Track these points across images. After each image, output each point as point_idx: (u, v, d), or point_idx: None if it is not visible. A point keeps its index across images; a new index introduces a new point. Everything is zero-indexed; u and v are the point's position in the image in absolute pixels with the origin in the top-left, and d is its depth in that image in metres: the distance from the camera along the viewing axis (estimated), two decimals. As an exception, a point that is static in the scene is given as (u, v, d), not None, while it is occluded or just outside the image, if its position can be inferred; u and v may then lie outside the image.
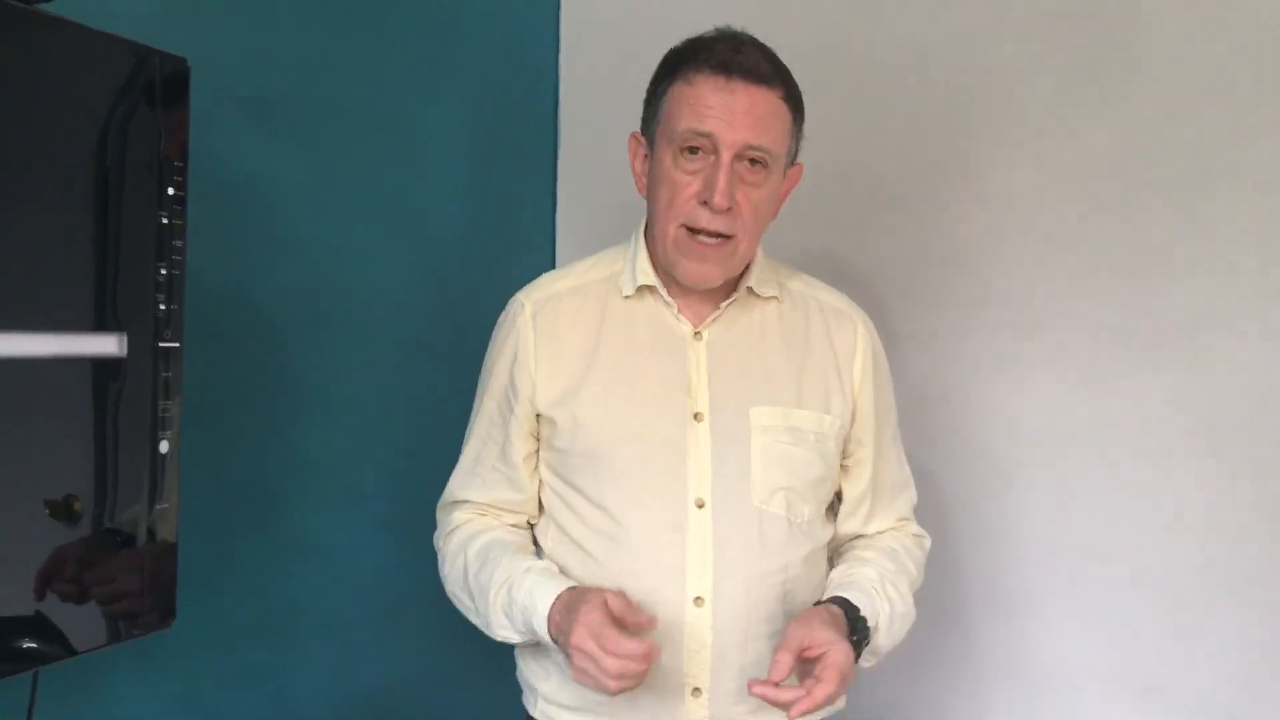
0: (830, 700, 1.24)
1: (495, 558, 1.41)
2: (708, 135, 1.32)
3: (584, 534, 1.41)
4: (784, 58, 1.39)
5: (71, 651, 1.15)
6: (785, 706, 1.23)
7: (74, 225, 1.13)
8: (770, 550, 1.40)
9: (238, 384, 1.61)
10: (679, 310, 1.45)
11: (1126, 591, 1.78)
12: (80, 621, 1.16)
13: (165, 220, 1.21)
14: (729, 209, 1.33)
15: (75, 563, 1.14)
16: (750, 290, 1.46)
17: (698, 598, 1.37)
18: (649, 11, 2.21)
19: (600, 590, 1.29)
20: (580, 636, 1.24)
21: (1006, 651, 1.88)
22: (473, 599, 1.43)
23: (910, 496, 1.58)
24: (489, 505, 1.50)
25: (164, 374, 1.22)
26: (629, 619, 1.26)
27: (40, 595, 1.11)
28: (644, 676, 1.25)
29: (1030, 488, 1.86)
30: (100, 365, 1.16)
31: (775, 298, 1.48)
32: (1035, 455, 1.85)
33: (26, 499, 1.10)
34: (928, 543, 1.58)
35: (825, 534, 1.49)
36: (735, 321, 1.46)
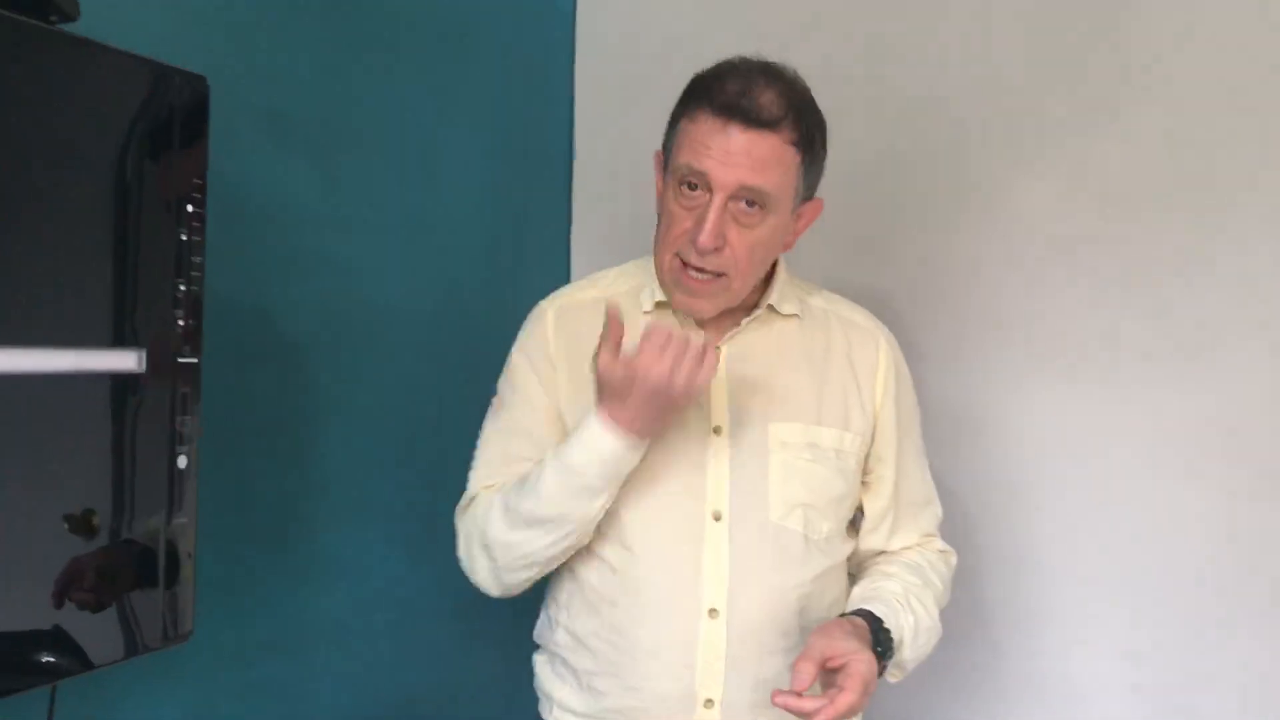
0: (853, 710, 1.23)
1: (529, 472, 1.40)
2: (702, 174, 1.32)
3: (601, 542, 1.42)
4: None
5: (89, 665, 1.15)
6: (808, 716, 1.22)
7: (94, 242, 1.14)
8: (787, 566, 1.40)
9: (255, 399, 1.62)
10: (698, 325, 1.45)
11: (1149, 608, 1.77)
12: (98, 635, 1.17)
13: (184, 237, 1.21)
14: (716, 249, 1.33)
15: (93, 576, 1.15)
16: (771, 308, 1.46)
17: (712, 609, 1.37)
18: (663, 31, 2.22)
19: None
20: (647, 346, 1.26)
21: (1027, 668, 1.87)
22: (519, 506, 1.38)
23: (935, 512, 1.58)
24: None
25: (182, 389, 1.23)
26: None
27: (59, 608, 1.12)
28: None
29: (1049, 503, 1.85)
30: (119, 381, 1.16)
31: (796, 315, 1.48)
32: (1053, 471, 1.85)
33: (46, 513, 1.11)
34: (954, 559, 1.57)
35: (845, 550, 1.49)
36: (755, 338, 1.46)
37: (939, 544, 1.57)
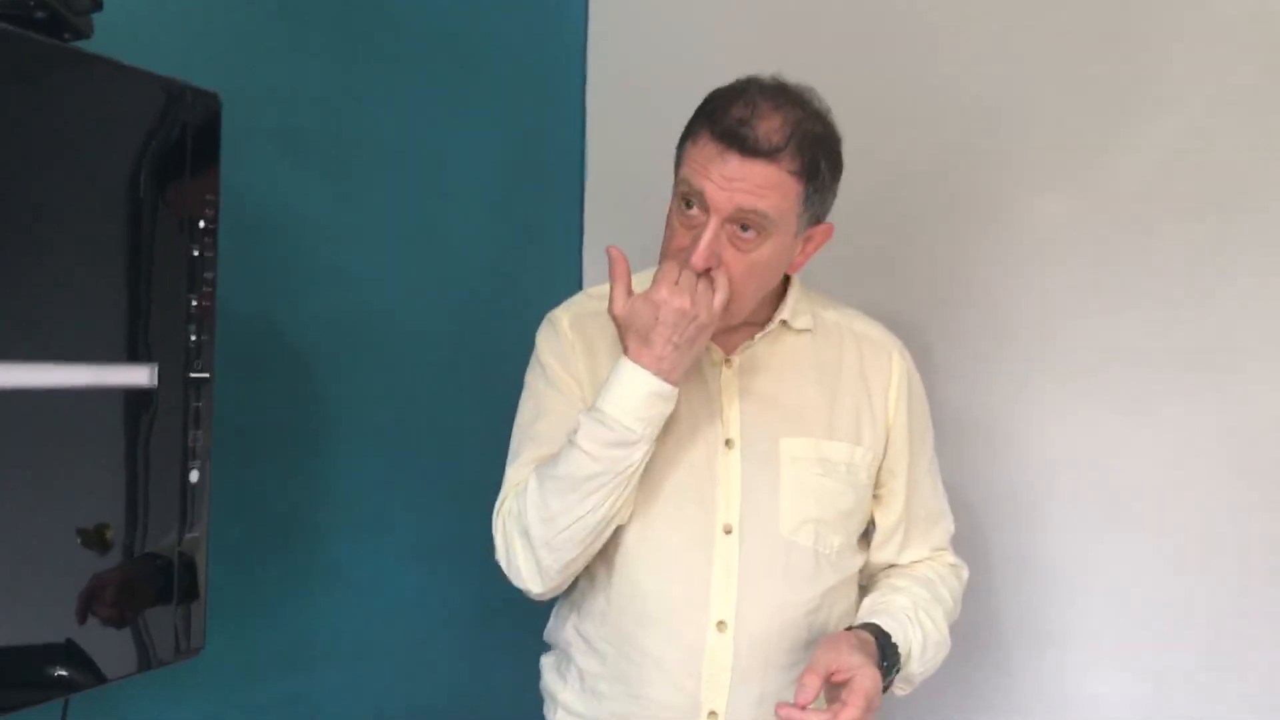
0: None
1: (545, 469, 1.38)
2: (700, 194, 1.31)
3: (613, 551, 1.41)
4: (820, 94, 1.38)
5: (101, 679, 1.16)
6: None
7: (107, 257, 1.15)
8: (795, 581, 1.40)
9: (267, 414, 1.63)
10: (711, 338, 1.45)
11: (1164, 625, 1.75)
12: (110, 649, 1.17)
13: (196, 252, 1.22)
14: (708, 270, 1.32)
15: (106, 590, 1.16)
16: (784, 323, 1.46)
17: (720, 622, 1.37)
18: (675, 42, 2.23)
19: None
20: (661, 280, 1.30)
21: (1040, 683, 1.86)
22: (555, 476, 1.35)
23: (947, 527, 1.57)
24: None
25: (194, 404, 1.23)
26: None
27: (82, 623, 1.13)
28: None
29: (1064, 517, 1.84)
30: (132, 395, 1.17)
31: (809, 330, 1.48)
32: (1070, 485, 1.83)
33: (59, 527, 1.11)
34: (965, 573, 1.56)
35: (855, 564, 1.49)
36: (767, 353, 1.46)
37: (950, 558, 1.56)
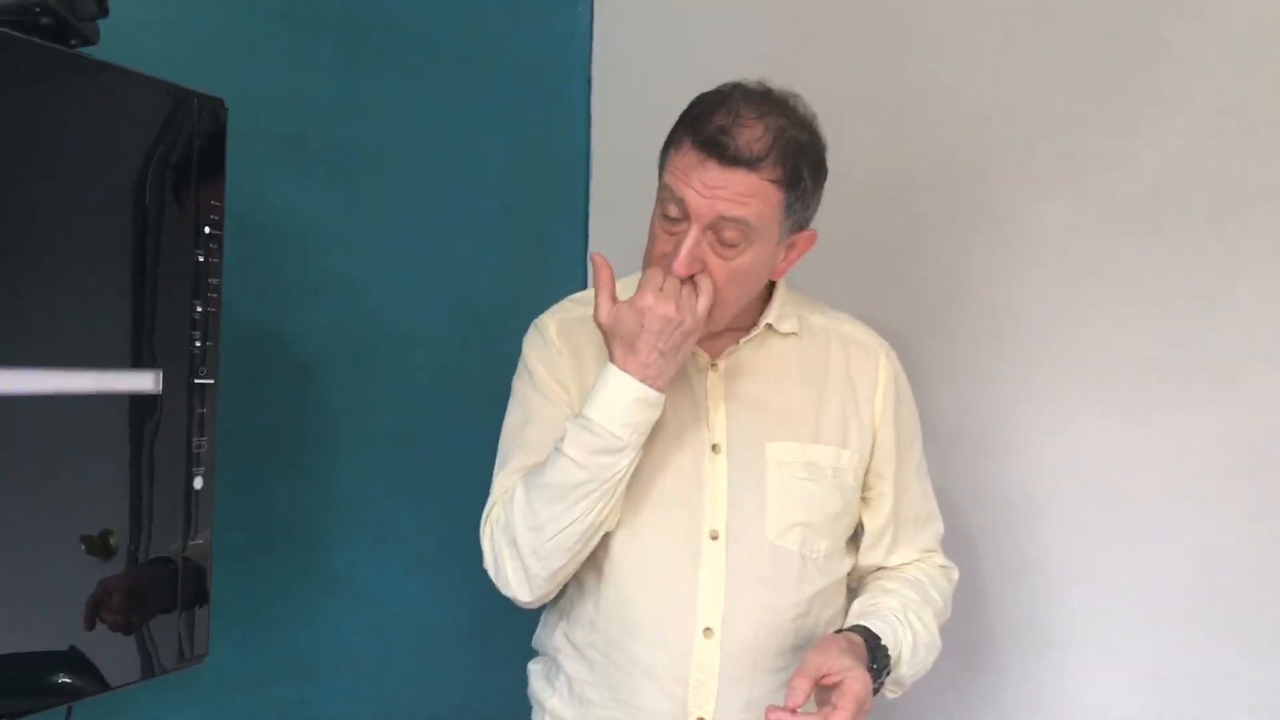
0: None
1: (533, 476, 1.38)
2: (681, 201, 1.32)
3: (601, 558, 1.41)
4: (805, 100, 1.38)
5: (105, 686, 1.16)
6: None
7: (112, 264, 1.15)
8: (783, 586, 1.40)
9: (271, 421, 1.63)
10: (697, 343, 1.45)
11: (1167, 631, 1.75)
12: (114, 656, 1.17)
13: (201, 258, 1.22)
14: (689, 277, 1.33)
15: (110, 597, 1.15)
16: (769, 327, 1.46)
17: (707, 628, 1.38)
18: (680, 51, 2.23)
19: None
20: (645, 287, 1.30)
21: (1043, 689, 1.85)
22: (535, 498, 1.35)
23: (936, 529, 1.57)
24: None
25: (199, 410, 1.23)
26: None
27: (90, 629, 1.13)
28: None
29: (1067, 523, 1.83)
30: (136, 401, 1.17)
31: (795, 334, 1.49)
32: (1072, 490, 1.83)
33: (64, 533, 1.11)
34: (955, 574, 1.56)
35: (843, 568, 1.49)
36: (753, 357, 1.47)
37: (940, 559, 1.56)
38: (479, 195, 2.04)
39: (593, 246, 2.33)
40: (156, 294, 1.18)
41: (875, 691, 1.30)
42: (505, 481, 1.44)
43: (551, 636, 1.52)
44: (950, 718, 1.89)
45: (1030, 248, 1.86)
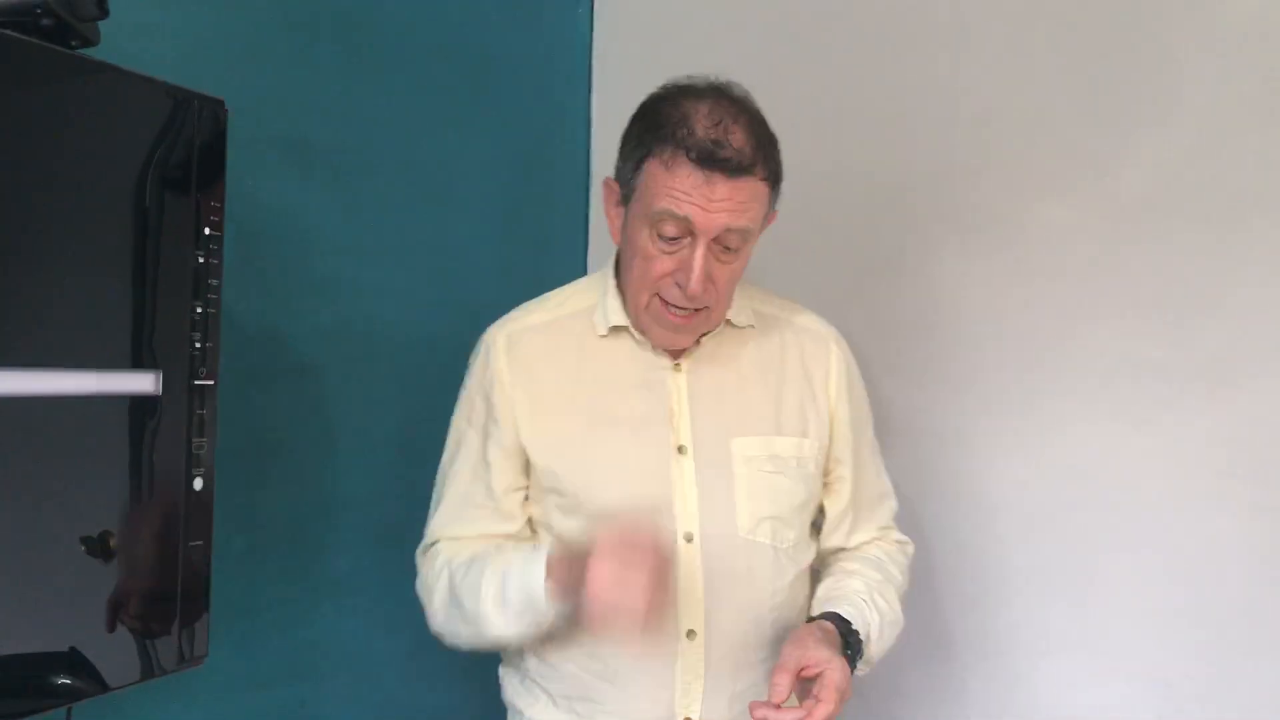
0: (830, 719, 1.25)
1: (483, 556, 1.38)
2: (685, 220, 1.30)
3: None
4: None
5: (105, 687, 1.16)
6: None
7: (112, 264, 1.15)
8: (758, 580, 1.42)
9: (271, 422, 1.62)
10: (655, 345, 1.44)
11: (1166, 634, 1.75)
12: (114, 657, 1.17)
13: (201, 259, 1.22)
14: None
15: (109, 598, 1.15)
16: (728, 321, 1.46)
17: (690, 631, 1.38)
18: (680, 57, 2.20)
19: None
20: (600, 564, 1.20)
21: (1044, 693, 1.85)
22: (460, 604, 1.38)
23: (891, 505, 1.60)
24: (477, 538, 1.45)
25: (198, 411, 1.23)
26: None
27: (78, 630, 1.12)
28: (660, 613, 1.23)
29: (1069, 526, 1.83)
30: (136, 403, 1.17)
31: (751, 326, 1.49)
32: (1075, 494, 1.83)
33: (63, 535, 1.11)
34: (911, 548, 1.60)
35: (810, 555, 1.51)
36: (713, 353, 1.46)
37: (896, 535, 1.59)
38: (479, 196, 2.04)
39: (593, 247, 2.33)
40: (156, 295, 1.18)
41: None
42: (437, 520, 1.49)
43: (523, 657, 1.49)
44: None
45: (1033, 251, 1.86)
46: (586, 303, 1.49)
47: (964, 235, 1.92)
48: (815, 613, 1.41)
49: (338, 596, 1.74)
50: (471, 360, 1.51)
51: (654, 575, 1.21)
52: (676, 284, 1.33)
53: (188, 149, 1.21)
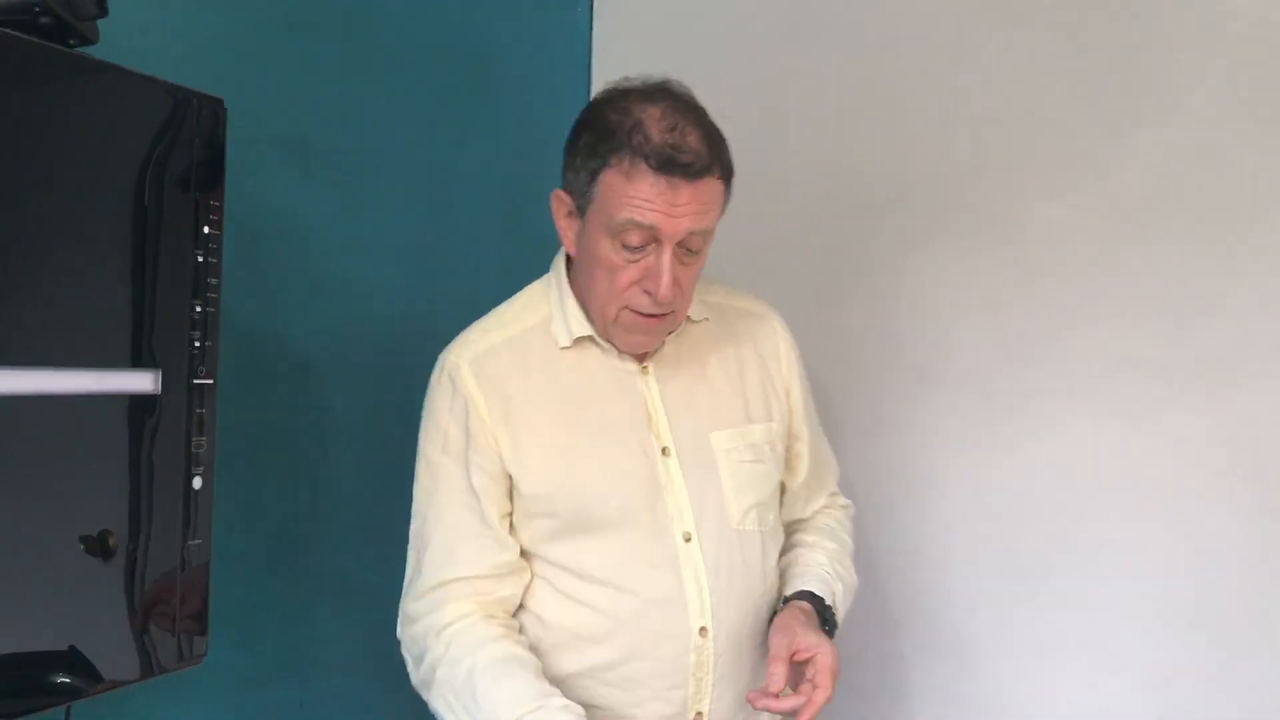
0: (828, 702, 1.30)
1: (514, 673, 1.31)
2: (650, 228, 1.29)
3: (581, 589, 1.39)
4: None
5: (105, 686, 1.16)
6: (790, 715, 1.30)
7: (112, 264, 1.15)
8: (752, 567, 1.44)
9: (271, 421, 1.63)
10: (621, 350, 1.44)
11: (1166, 634, 1.75)
12: (113, 655, 1.17)
13: (200, 258, 1.22)
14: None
15: (110, 597, 1.15)
16: (687, 318, 1.46)
17: (702, 628, 1.39)
18: (679, 60, 2.20)
19: None
20: None
21: (1045, 694, 1.85)
22: (476, 701, 1.32)
23: (835, 469, 1.66)
24: (482, 577, 1.39)
25: (198, 410, 1.23)
26: None
27: (77, 628, 1.12)
28: None
29: (1066, 526, 1.83)
30: (136, 402, 1.17)
31: (706, 319, 1.49)
32: (1075, 494, 1.83)
33: (63, 533, 1.11)
34: (853, 510, 1.67)
35: (783, 531, 1.56)
36: (675, 352, 1.47)
37: (841, 500, 1.66)
38: (479, 196, 2.04)
39: (592, 248, 2.32)
40: (156, 294, 1.19)
41: None
42: (430, 561, 1.40)
43: None
44: None
45: (1033, 251, 1.87)
46: (539, 317, 1.46)
47: (963, 235, 1.92)
48: (788, 591, 1.46)
49: (337, 596, 1.75)
50: (432, 389, 1.46)
51: None
52: (645, 291, 1.32)
53: (187, 148, 1.21)
